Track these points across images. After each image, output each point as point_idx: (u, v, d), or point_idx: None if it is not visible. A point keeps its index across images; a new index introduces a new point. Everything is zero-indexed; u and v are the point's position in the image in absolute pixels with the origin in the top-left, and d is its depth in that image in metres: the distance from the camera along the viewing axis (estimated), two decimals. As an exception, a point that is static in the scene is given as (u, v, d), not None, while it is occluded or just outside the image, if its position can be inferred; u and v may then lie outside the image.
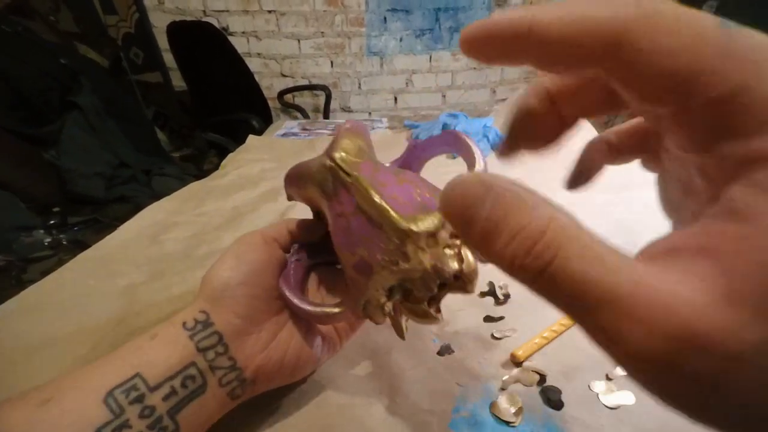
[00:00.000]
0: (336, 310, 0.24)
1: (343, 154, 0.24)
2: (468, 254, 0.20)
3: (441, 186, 0.22)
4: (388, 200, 0.20)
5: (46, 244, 1.23)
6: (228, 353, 0.22)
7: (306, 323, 0.26)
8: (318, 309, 0.24)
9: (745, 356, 0.08)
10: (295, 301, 0.25)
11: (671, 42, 0.09)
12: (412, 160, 0.29)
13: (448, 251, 0.19)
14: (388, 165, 0.28)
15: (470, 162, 0.24)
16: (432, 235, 0.19)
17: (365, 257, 0.21)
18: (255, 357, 0.23)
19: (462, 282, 0.20)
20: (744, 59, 0.09)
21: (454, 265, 0.19)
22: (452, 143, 0.26)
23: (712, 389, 0.08)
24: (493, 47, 0.12)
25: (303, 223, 0.29)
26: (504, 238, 0.09)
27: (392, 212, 0.19)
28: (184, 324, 0.22)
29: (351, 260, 0.22)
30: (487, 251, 0.10)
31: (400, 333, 0.21)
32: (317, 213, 0.29)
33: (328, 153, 0.24)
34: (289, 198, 0.29)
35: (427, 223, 0.19)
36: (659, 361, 0.08)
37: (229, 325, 0.23)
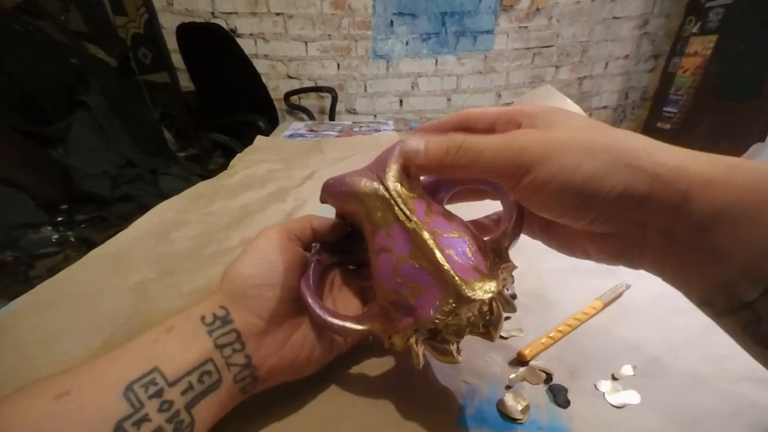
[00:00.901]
0: (359, 328, 0.24)
1: (398, 185, 0.23)
2: (498, 306, 0.22)
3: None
4: (449, 260, 0.20)
5: (53, 240, 1.24)
6: (244, 351, 0.22)
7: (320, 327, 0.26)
8: (340, 323, 0.24)
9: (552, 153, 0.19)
10: (318, 311, 0.24)
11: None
12: (445, 183, 0.28)
13: (483, 306, 0.21)
14: (423, 179, 0.28)
15: (505, 213, 0.24)
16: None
17: (410, 302, 0.21)
18: (269, 358, 0.23)
19: (487, 330, 0.22)
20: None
21: (487, 317, 0.21)
22: (493, 189, 0.25)
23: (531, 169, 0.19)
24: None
25: (326, 222, 0.28)
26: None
27: (457, 278, 0.19)
28: (202, 318, 0.22)
29: (390, 296, 0.22)
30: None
31: (418, 363, 0.22)
32: (341, 215, 0.29)
33: (380, 177, 0.24)
34: (323, 201, 0.29)
35: (485, 290, 0.20)
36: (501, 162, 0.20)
37: (248, 325, 0.22)
